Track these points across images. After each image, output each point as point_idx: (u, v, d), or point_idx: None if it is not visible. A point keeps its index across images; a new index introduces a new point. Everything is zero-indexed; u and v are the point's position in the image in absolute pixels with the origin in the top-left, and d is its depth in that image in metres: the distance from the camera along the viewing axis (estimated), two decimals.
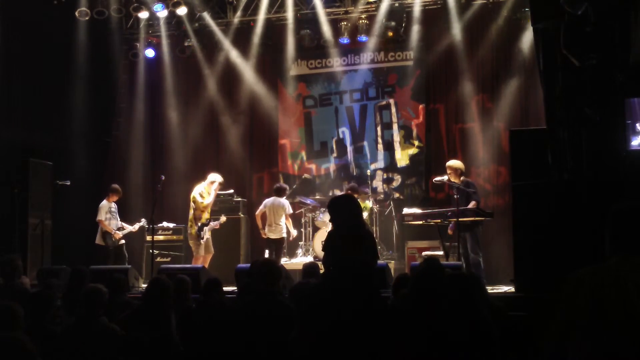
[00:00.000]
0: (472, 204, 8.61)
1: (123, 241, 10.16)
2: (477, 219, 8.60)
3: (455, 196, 8.70)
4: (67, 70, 11.25)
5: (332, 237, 5.26)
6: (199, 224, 9.52)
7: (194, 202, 9.62)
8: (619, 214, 2.53)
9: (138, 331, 4.52)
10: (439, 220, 9.05)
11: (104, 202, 10.10)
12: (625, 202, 2.55)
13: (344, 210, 5.21)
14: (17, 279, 6.41)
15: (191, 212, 9.64)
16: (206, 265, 9.22)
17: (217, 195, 10.78)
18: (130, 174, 11.85)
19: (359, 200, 9.49)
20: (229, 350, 4.68)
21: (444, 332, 3.68)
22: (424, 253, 9.52)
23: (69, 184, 10.28)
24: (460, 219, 8.59)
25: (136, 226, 10.21)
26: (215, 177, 9.80)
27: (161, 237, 10.94)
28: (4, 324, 4.10)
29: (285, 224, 9.93)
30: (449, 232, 9.06)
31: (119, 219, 10.21)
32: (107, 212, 10.04)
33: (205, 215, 9.64)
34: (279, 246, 9.94)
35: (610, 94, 6.81)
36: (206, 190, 9.70)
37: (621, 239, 2.49)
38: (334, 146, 12.01)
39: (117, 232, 9.95)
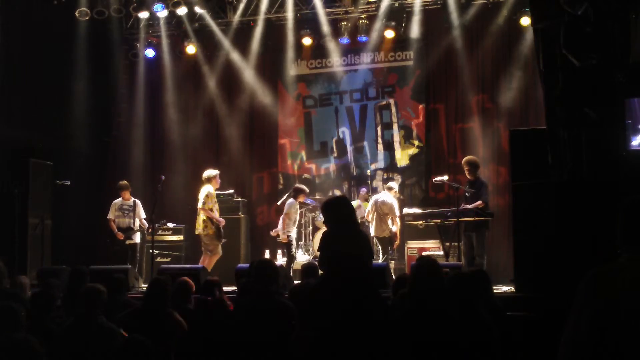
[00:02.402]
0: (477, 203, 8.61)
1: (135, 240, 9.95)
2: (477, 219, 8.59)
3: (466, 194, 8.75)
4: (67, 70, 11.25)
5: (327, 238, 5.28)
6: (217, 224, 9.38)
7: (206, 203, 9.37)
8: (630, 209, 2.50)
9: (138, 331, 4.52)
10: (439, 220, 9.07)
11: (115, 200, 10.03)
12: (637, 195, 2.52)
13: (337, 211, 5.25)
14: (2, 282, 6.33)
15: (203, 213, 9.32)
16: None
17: (217, 195, 10.84)
18: (130, 174, 11.83)
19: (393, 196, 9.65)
20: (228, 349, 4.68)
21: (444, 333, 3.68)
22: (423, 253, 9.52)
23: (69, 184, 10.24)
24: (461, 219, 8.60)
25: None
26: (210, 173, 9.55)
27: (161, 237, 10.93)
28: (6, 324, 4.09)
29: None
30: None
31: (136, 217, 9.94)
32: (117, 210, 9.92)
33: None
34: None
35: (610, 94, 6.80)
36: (213, 192, 9.45)
37: (634, 233, 2.46)
38: (334, 146, 12.01)
39: (119, 232, 9.80)
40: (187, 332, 4.84)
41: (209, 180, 9.48)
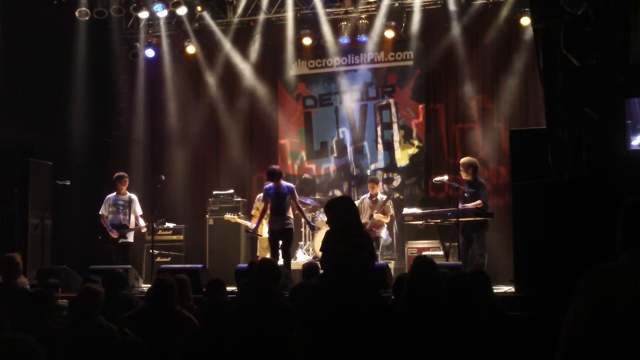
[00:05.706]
0: (476, 203, 8.59)
1: (127, 240, 9.54)
2: (477, 219, 8.59)
3: (465, 194, 8.74)
4: (67, 70, 11.25)
5: (330, 238, 5.29)
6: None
7: None
8: (631, 209, 2.49)
9: (147, 331, 4.51)
10: (439, 220, 9.07)
11: (109, 195, 9.65)
12: (638, 197, 2.51)
13: (341, 211, 5.25)
14: (16, 278, 6.35)
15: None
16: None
17: (217, 195, 11.01)
18: (130, 174, 11.81)
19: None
20: (228, 349, 4.68)
21: (444, 333, 3.69)
22: (423, 253, 9.51)
23: (69, 184, 10.18)
24: (461, 219, 8.59)
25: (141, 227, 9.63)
26: None
27: (161, 237, 10.93)
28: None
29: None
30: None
31: (132, 213, 9.55)
32: (111, 205, 9.50)
33: None
34: None
35: (610, 94, 6.81)
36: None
37: (633, 234, 2.45)
38: (334, 146, 12.00)
39: (112, 230, 9.39)
40: (197, 328, 4.83)
41: None
